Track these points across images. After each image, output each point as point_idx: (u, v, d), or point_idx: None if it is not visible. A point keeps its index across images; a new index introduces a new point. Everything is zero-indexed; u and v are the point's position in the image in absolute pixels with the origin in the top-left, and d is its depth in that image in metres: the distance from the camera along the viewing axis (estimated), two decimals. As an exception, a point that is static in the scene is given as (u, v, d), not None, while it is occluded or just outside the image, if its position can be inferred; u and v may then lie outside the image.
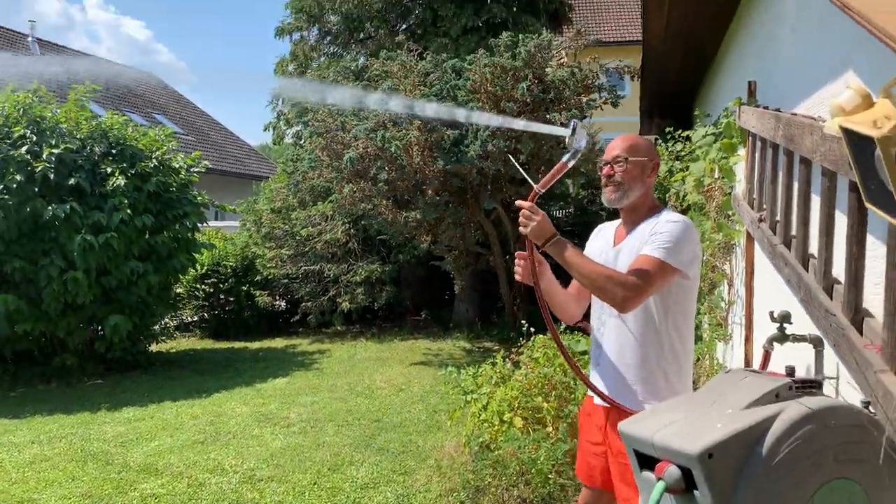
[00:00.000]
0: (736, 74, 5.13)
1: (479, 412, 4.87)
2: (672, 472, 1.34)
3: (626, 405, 2.28)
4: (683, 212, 5.28)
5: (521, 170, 2.65)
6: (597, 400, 2.42)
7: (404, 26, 12.89)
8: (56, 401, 6.90)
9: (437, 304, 11.69)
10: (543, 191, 2.36)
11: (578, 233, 11.14)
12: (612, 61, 9.20)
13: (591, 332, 2.52)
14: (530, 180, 2.51)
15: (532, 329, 5.19)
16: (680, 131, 5.39)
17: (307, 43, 13.27)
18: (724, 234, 4.43)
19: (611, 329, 2.40)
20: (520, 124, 2.67)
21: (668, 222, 2.27)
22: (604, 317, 2.44)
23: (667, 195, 5.38)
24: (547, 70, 8.24)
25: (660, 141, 6.58)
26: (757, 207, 3.49)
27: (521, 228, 2.33)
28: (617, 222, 2.53)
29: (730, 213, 4.44)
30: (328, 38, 13.27)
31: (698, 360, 5.48)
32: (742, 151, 4.16)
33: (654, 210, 2.39)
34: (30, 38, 21.47)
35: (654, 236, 2.25)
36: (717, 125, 4.54)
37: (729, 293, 4.77)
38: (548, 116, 8.00)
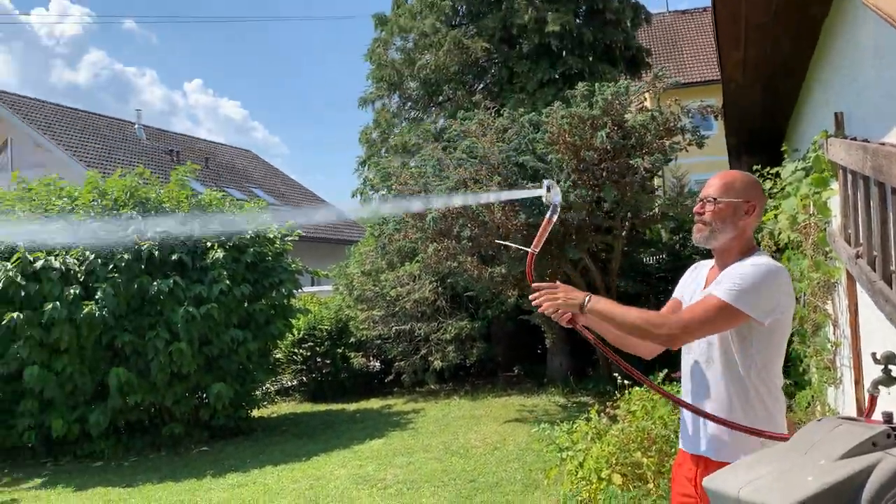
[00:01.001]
0: (822, 106, 4.95)
1: (576, 470, 4.73)
2: (761, 530, 1.26)
3: (713, 456, 2.20)
4: (779, 251, 5.06)
5: (511, 244, 3.01)
6: (684, 447, 2.34)
7: (481, 86, 13.17)
8: (165, 469, 7.17)
9: (529, 359, 11.53)
10: (538, 250, 2.44)
11: (671, 279, 10.84)
12: (693, 102, 9.05)
13: (681, 379, 2.44)
14: (522, 247, 2.58)
15: (626, 381, 5.04)
16: (768, 168, 5.21)
17: (388, 110, 13.75)
18: (823, 272, 4.21)
19: (697, 376, 2.31)
20: (492, 197, 2.93)
21: (751, 265, 2.15)
22: (690, 364, 2.36)
23: (759, 235, 5.18)
24: (626, 116, 8.20)
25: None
26: (853, 243, 3.32)
27: (548, 310, 2.30)
28: (712, 262, 2.41)
29: (827, 249, 4.23)
30: (408, 104, 13.71)
31: (808, 405, 5.16)
32: (835, 185, 3.98)
33: (747, 253, 2.24)
34: (136, 126, 23.17)
35: (729, 276, 2.15)
36: (806, 159, 4.38)
37: (834, 334, 4.50)
38: (630, 162, 7.93)
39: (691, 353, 2.35)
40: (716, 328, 2.13)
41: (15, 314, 7.06)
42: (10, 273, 7.09)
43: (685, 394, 2.38)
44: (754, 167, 5.28)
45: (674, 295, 2.54)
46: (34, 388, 7.22)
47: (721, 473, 1.50)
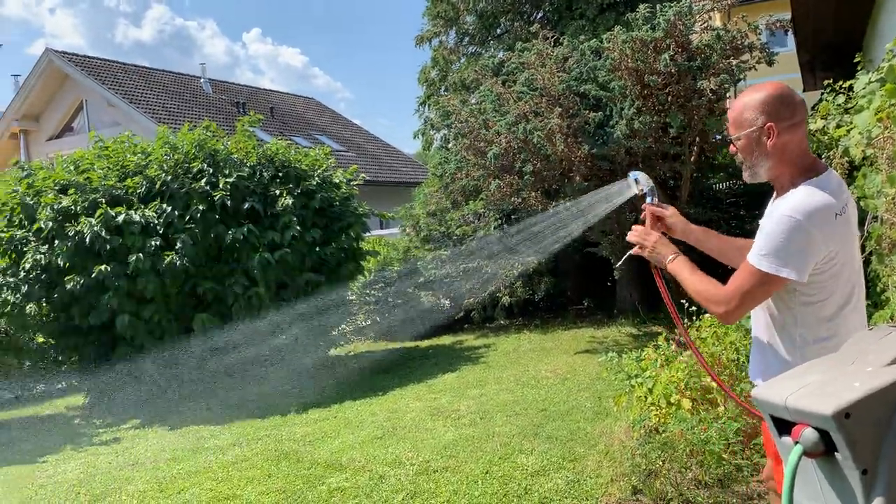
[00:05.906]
0: (900, 11, 4.67)
1: (645, 396, 4.79)
2: (808, 434, 1.29)
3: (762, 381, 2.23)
4: (854, 168, 4.86)
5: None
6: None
7: (539, 14, 12.83)
8: (251, 407, 7.57)
9: (598, 292, 11.49)
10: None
11: (743, 203, 10.55)
12: (763, 17, 8.62)
13: None
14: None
15: (693, 308, 5.00)
16: (841, 82, 4.97)
17: (446, 47, 13.56)
18: (898, 186, 4.03)
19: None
20: (587, 201, 2.87)
21: (780, 217, 1.97)
22: None
23: (830, 153, 4.98)
24: (691, 37, 7.90)
25: (825, 96, 6.09)
26: (930, 153, 3.17)
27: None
28: None
29: (904, 163, 4.05)
30: (466, 39, 13.49)
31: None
32: (912, 94, 3.77)
33: (802, 175, 2.05)
34: (202, 80, 23.61)
35: (760, 233, 2.04)
36: (880, 70, 4.16)
37: (914, 251, 4.34)
38: (697, 84, 7.67)
39: None
40: (760, 297, 2.06)
41: (102, 266, 7.47)
42: (95, 228, 7.47)
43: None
44: (825, 82, 5.05)
45: None
46: (126, 335, 7.67)
47: (769, 384, 1.53)
